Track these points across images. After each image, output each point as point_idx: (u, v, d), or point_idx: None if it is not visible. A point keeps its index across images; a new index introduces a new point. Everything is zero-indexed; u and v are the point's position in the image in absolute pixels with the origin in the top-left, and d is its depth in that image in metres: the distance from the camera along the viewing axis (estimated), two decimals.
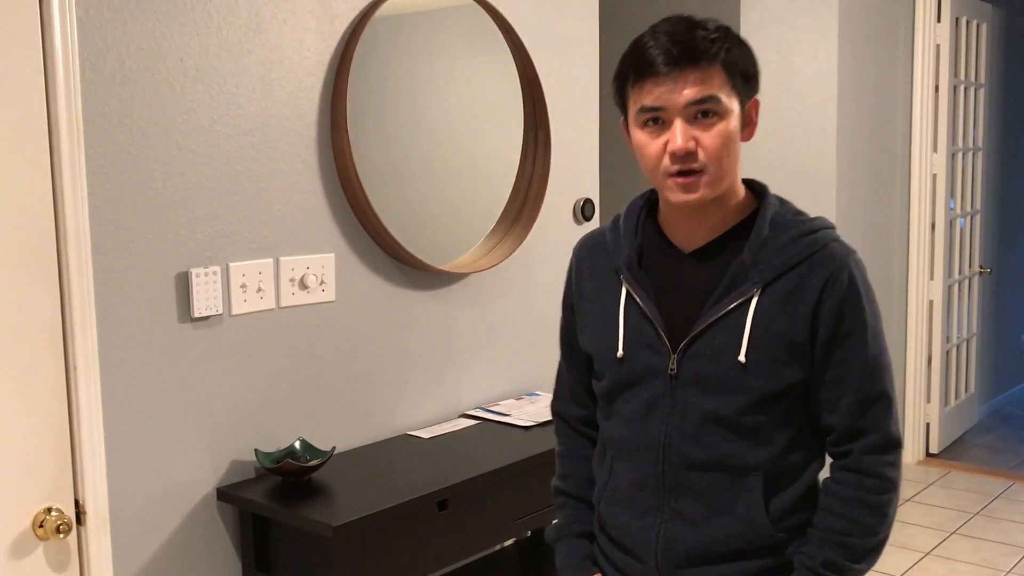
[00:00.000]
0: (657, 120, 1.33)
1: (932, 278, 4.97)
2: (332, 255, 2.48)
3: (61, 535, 1.91)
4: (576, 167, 3.20)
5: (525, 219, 2.95)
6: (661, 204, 1.46)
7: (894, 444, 1.37)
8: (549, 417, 2.70)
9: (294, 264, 2.39)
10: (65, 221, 1.95)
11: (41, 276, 1.92)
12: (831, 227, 1.42)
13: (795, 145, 4.34)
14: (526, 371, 3.06)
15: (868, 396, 1.36)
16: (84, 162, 1.97)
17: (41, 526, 1.91)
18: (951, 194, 5.05)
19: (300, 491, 2.21)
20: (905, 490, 4.55)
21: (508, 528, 2.47)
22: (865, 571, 1.38)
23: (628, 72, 1.36)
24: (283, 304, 2.38)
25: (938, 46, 4.83)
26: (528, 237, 2.96)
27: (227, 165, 2.25)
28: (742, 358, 1.34)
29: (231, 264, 2.26)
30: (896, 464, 1.38)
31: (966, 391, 5.47)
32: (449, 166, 2.82)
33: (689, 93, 1.29)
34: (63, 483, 1.97)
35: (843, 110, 4.38)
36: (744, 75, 1.35)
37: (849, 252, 1.39)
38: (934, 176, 4.90)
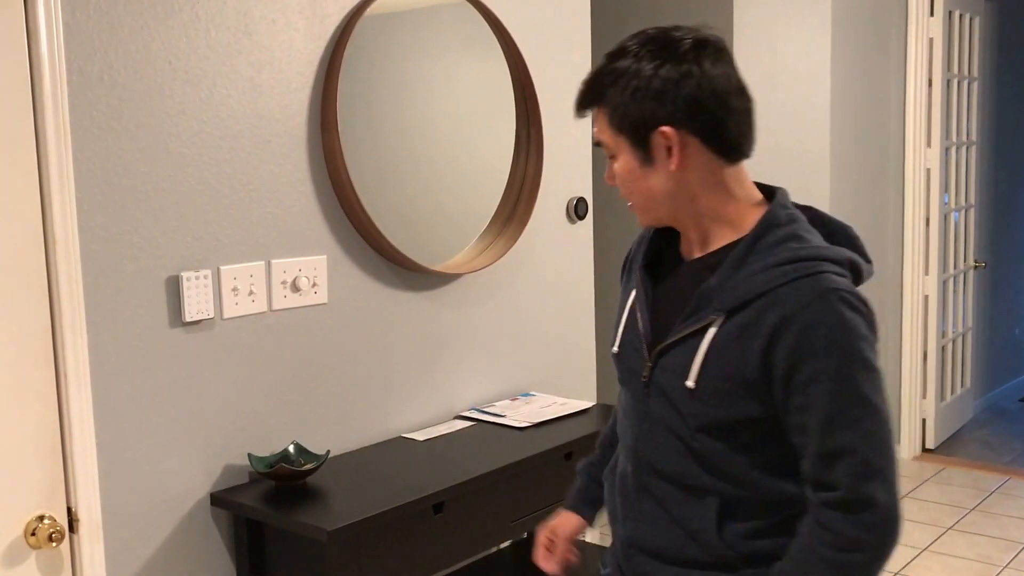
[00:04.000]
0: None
1: (927, 273, 4.98)
2: (324, 257, 2.48)
3: (53, 543, 1.91)
4: (569, 166, 3.19)
5: (518, 219, 2.95)
6: None
7: (862, 504, 1.24)
8: (544, 418, 2.73)
9: (286, 266, 2.39)
10: (54, 227, 1.94)
11: (30, 283, 1.92)
12: (830, 259, 1.29)
13: (788, 141, 4.34)
14: (520, 371, 3.06)
15: (829, 451, 1.25)
16: (72, 167, 1.97)
17: (33, 534, 1.91)
18: (945, 188, 5.05)
19: (294, 495, 2.21)
20: (901, 486, 4.54)
21: (505, 531, 2.46)
22: None
23: None
24: (275, 307, 2.37)
25: (931, 40, 4.83)
26: (521, 237, 2.95)
27: (217, 167, 2.24)
28: (690, 383, 1.32)
29: (222, 267, 2.25)
30: (867, 525, 1.24)
31: (962, 386, 5.49)
32: (441, 166, 2.81)
33: (594, 133, 1.35)
34: (55, 490, 1.96)
35: (836, 105, 4.39)
36: (623, 115, 1.31)
37: (830, 290, 1.24)
38: (928, 171, 4.91)
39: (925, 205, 4.92)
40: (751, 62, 4.28)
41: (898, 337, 4.99)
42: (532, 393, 3.04)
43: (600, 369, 3.50)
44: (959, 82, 5.13)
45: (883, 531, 1.25)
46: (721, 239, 1.37)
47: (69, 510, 1.99)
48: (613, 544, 1.54)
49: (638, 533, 1.44)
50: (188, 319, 2.18)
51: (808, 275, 1.26)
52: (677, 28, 1.33)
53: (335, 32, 2.47)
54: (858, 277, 1.35)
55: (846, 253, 1.33)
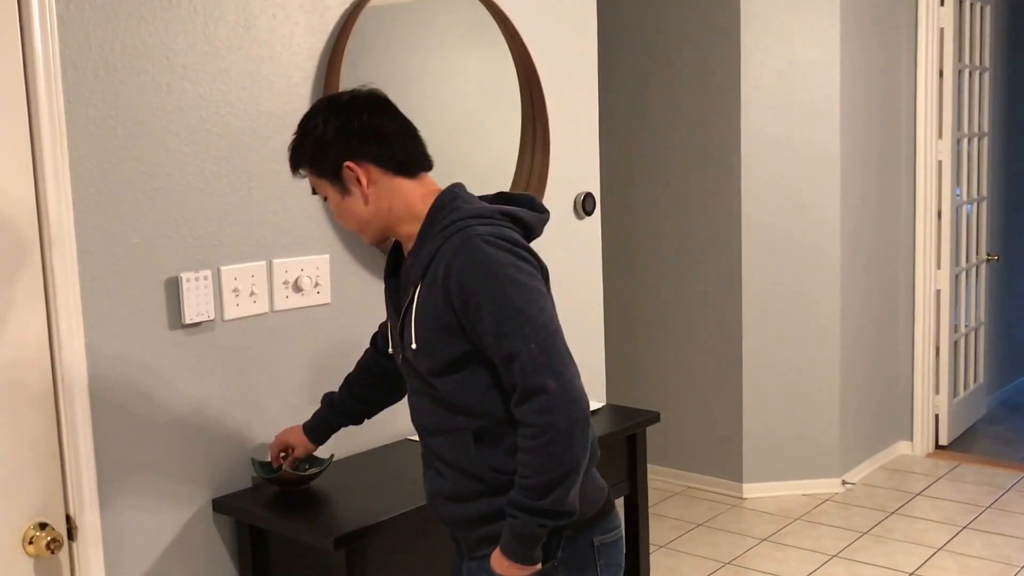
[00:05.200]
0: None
1: (939, 267, 4.94)
2: (327, 256, 2.45)
3: (52, 552, 1.89)
4: (576, 161, 3.17)
5: None
6: None
7: (532, 392, 1.57)
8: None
9: (288, 266, 2.36)
10: (49, 228, 1.92)
11: (26, 285, 1.90)
12: (476, 215, 1.66)
13: (797, 134, 4.30)
14: None
15: (504, 358, 1.59)
16: (68, 166, 1.95)
17: (31, 543, 1.89)
18: (957, 181, 5.01)
19: (299, 501, 2.19)
20: (914, 483, 4.53)
21: None
22: (556, 503, 1.58)
23: None
24: (277, 308, 2.35)
25: (942, 30, 4.79)
26: None
27: (217, 165, 2.22)
28: (414, 345, 1.68)
29: (222, 267, 2.23)
30: (541, 409, 1.56)
31: (975, 381, 5.45)
32: (446, 161, 2.72)
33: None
34: (53, 498, 1.95)
35: (846, 97, 4.35)
36: (316, 164, 1.71)
37: (467, 239, 1.61)
38: (939, 163, 4.87)
39: (937, 198, 4.89)
40: (759, 53, 4.24)
41: (910, 332, 4.96)
42: None
43: (610, 369, 3.47)
44: (971, 72, 5.09)
45: (560, 411, 1.56)
46: (417, 232, 1.72)
47: (68, 518, 1.97)
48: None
49: (433, 486, 1.79)
50: (188, 321, 2.16)
51: (458, 231, 1.64)
52: (340, 92, 1.75)
53: (336, 25, 2.44)
54: (524, 225, 1.73)
55: (496, 207, 1.71)
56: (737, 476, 4.46)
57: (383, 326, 2.05)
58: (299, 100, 2.37)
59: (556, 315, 1.64)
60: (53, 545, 1.88)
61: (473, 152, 2.87)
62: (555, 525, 1.62)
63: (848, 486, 4.52)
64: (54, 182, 1.92)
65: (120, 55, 2.04)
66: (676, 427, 4.57)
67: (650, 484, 3.03)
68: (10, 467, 1.88)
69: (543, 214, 1.79)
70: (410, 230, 1.73)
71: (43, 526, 1.90)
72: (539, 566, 1.65)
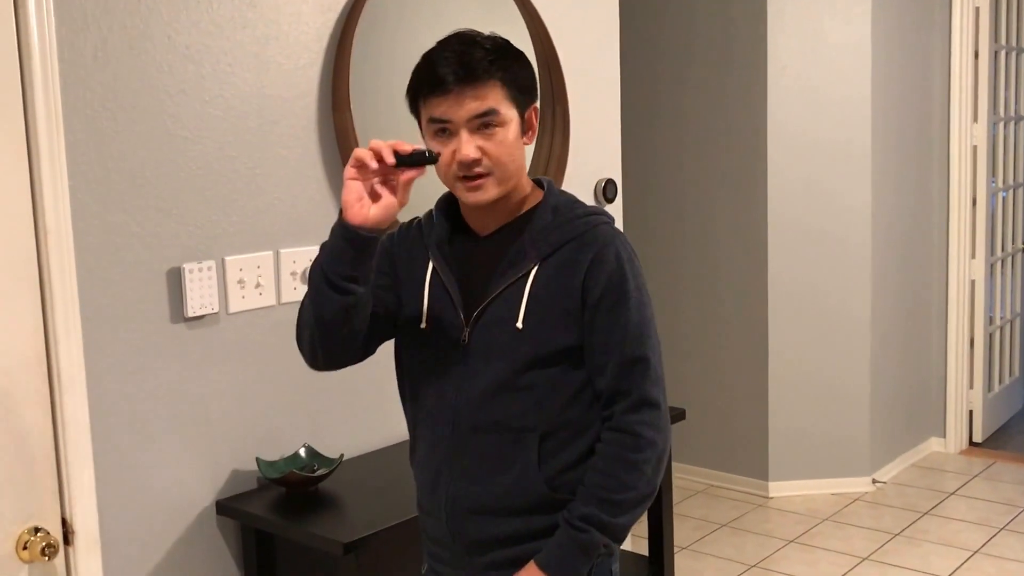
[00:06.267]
0: (445, 130, 1.55)
1: (973, 256, 4.88)
2: None
3: (47, 557, 1.85)
4: (596, 145, 3.14)
5: None
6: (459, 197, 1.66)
7: (649, 404, 1.57)
8: None
9: (296, 256, 2.34)
10: (45, 216, 1.89)
11: (20, 277, 1.87)
12: (604, 214, 1.66)
13: (827, 118, 4.25)
14: None
15: (629, 359, 1.57)
16: (64, 151, 1.92)
17: (25, 548, 1.86)
18: (992, 167, 4.95)
19: (307, 503, 2.17)
20: (947, 482, 4.48)
21: None
22: (627, 524, 1.57)
23: (419, 87, 1.58)
24: (284, 300, 2.33)
25: (977, 8, 4.73)
26: None
27: (220, 150, 2.20)
28: (519, 324, 1.57)
29: (227, 258, 2.22)
30: (652, 423, 1.56)
31: (1010, 375, 5.39)
32: None
33: (471, 107, 1.53)
34: (49, 501, 1.92)
35: (877, 79, 4.29)
36: (520, 88, 1.58)
37: (616, 234, 1.61)
38: (974, 148, 4.81)
39: (972, 184, 4.82)
40: (788, 37, 4.18)
41: (943, 324, 4.92)
42: None
43: None
44: (1007, 53, 5.02)
45: (665, 431, 1.58)
46: (521, 208, 1.63)
47: (64, 521, 1.95)
48: (431, 508, 1.68)
49: (460, 491, 1.63)
50: (191, 314, 2.14)
51: (599, 224, 1.62)
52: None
53: (347, 4, 2.41)
54: None
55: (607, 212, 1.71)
56: (763, 474, 4.43)
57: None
58: (307, 82, 2.33)
59: None
60: (48, 550, 1.85)
61: None
62: (613, 548, 1.60)
63: (878, 485, 4.48)
64: (49, 168, 1.89)
65: (119, 35, 2.01)
66: (699, 423, 4.52)
67: (672, 482, 3.04)
68: (3, 467, 1.85)
69: None
70: (519, 198, 1.62)
71: (38, 530, 1.87)
72: None
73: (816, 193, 4.27)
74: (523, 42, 2.81)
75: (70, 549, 1.95)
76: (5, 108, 1.83)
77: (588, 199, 3.11)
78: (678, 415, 2.80)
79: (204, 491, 2.20)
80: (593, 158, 3.13)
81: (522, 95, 1.58)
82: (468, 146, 1.53)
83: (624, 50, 3.46)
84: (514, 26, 2.79)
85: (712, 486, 4.55)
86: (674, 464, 4.54)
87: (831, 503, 4.30)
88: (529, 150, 2.83)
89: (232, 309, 2.22)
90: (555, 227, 1.60)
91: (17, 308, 1.86)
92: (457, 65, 1.53)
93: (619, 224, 3.24)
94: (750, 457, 4.46)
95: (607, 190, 3.17)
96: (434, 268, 1.66)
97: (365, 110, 2.43)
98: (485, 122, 1.53)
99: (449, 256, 1.66)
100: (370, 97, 2.46)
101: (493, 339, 1.59)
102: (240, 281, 2.23)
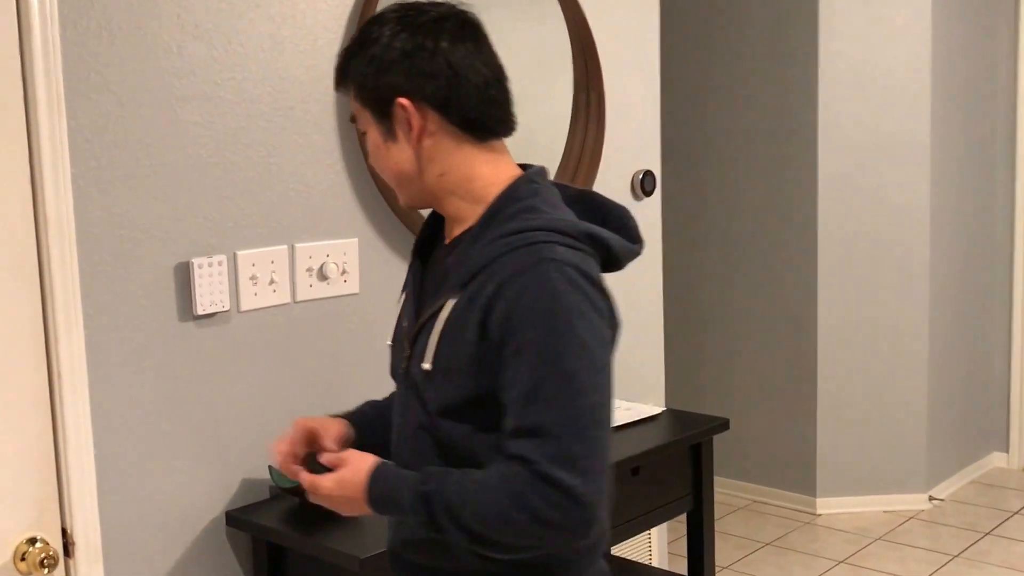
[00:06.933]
0: None
1: None
2: (355, 240, 2.43)
3: (46, 569, 1.85)
4: (634, 135, 3.13)
5: None
6: None
7: (551, 483, 1.29)
8: (612, 424, 2.63)
9: (312, 251, 2.33)
10: (45, 206, 1.89)
11: (18, 270, 1.87)
12: (545, 229, 1.38)
13: (884, 122, 4.19)
14: None
15: (525, 429, 1.31)
16: (66, 137, 1.92)
17: (23, 559, 1.86)
18: None
19: (322, 515, 2.12)
20: (1010, 501, 4.44)
21: None
22: (446, 529, 1.35)
23: None
24: (299, 298, 2.32)
25: None
26: None
27: (233, 137, 2.19)
28: (427, 365, 1.42)
29: (239, 252, 2.21)
30: (551, 502, 1.29)
31: None
32: None
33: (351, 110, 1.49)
34: (48, 509, 1.92)
35: (937, 83, 4.25)
36: (364, 87, 1.44)
37: (548, 259, 1.34)
38: None
39: None
40: (842, 39, 4.15)
41: (1006, 333, 4.88)
42: None
43: (669, 370, 3.41)
44: None
45: (565, 515, 1.29)
46: (471, 218, 1.46)
47: (64, 531, 1.95)
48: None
49: (396, 538, 1.54)
50: (200, 312, 2.14)
51: (530, 244, 1.36)
52: (425, 3, 1.46)
53: None
54: (609, 255, 1.45)
55: (585, 227, 1.42)
56: (810, 490, 4.40)
57: None
58: (325, 64, 2.32)
59: (612, 396, 1.38)
60: (47, 562, 1.85)
61: (519, 121, 2.80)
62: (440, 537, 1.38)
63: (935, 503, 4.43)
64: (50, 154, 1.88)
65: (125, 12, 2.01)
66: (743, 434, 4.49)
67: (714, 497, 3.03)
68: (2, 474, 1.85)
69: (636, 245, 1.51)
70: (460, 210, 1.46)
71: (36, 541, 1.87)
72: (367, 512, 1.43)
73: (870, 192, 4.23)
74: (556, 20, 2.80)
75: (70, 561, 1.95)
76: (4, 91, 1.82)
77: (625, 192, 3.11)
78: (722, 425, 2.75)
79: (213, 501, 2.19)
80: (630, 148, 3.11)
81: (368, 94, 1.44)
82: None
83: (664, 33, 3.43)
84: (546, 3, 2.78)
85: (756, 502, 4.51)
86: (716, 478, 4.51)
87: (884, 521, 4.25)
88: (556, 137, 2.83)
89: (244, 307, 2.21)
90: (480, 247, 1.41)
91: (15, 304, 1.86)
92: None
93: (655, 222, 3.23)
94: (797, 471, 4.43)
95: (645, 183, 3.14)
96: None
97: None
98: (359, 130, 1.51)
99: (418, 268, 1.56)
100: None
101: (416, 373, 1.46)
102: (253, 277, 2.22)
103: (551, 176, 2.90)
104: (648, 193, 3.17)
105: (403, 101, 1.41)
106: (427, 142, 1.43)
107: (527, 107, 2.79)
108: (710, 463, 2.76)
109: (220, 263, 2.16)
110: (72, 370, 1.93)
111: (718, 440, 2.62)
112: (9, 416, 1.86)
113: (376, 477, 1.40)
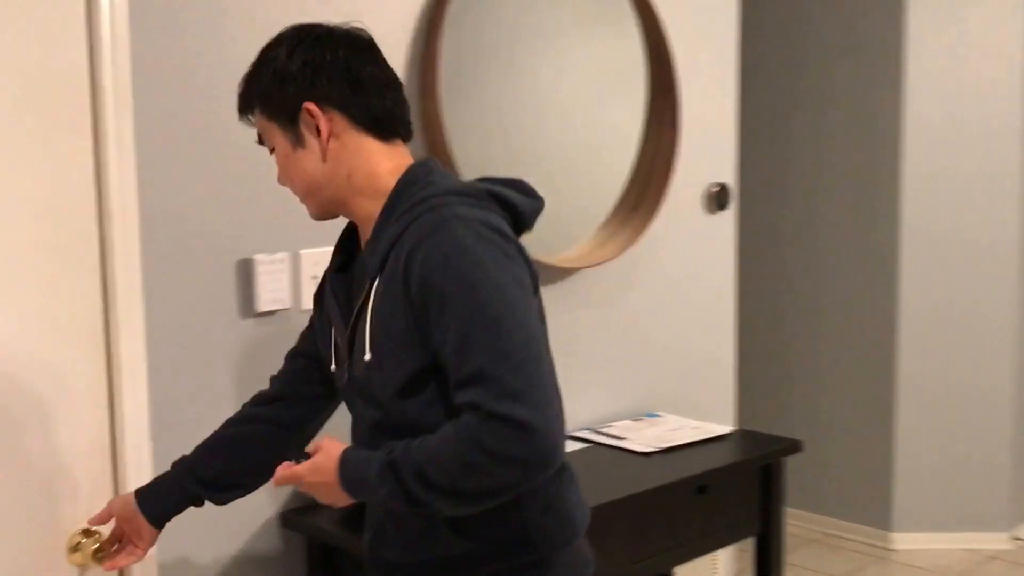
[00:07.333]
0: None
1: None
2: None
3: (99, 561, 1.86)
4: (710, 145, 3.10)
5: (646, 207, 2.88)
6: None
7: (500, 419, 1.33)
8: (672, 443, 2.60)
9: None
10: (109, 198, 1.91)
11: (81, 262, 1.89)
12: (461, 192, 1.46)
13: (973, 118, 4.07)
14: (645, 387, 2.98)
15: (465, 379, 1.37)
16: (132, 129, 1.94)
17: (76, 550, 1.88)
18: None
19: None
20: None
21: (622, 574, 2.35)
22: (421, 499, 1.39)
23: None
24: None
25: None
26: (649, 228, 2.87)
27: None
28: (367, 356, 1.47)
29: (302, 251, 2.22)
30: (503, 436, 1.33)
31: None
32: (557, 141, 2.74)
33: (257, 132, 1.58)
34: (103, 502, 1.92)
35: None
36: (267, 101, 1.53)
37: (451, 217, 1.41)
38: None
39: None
40: (929, 34, 4.04)
41: None
42: (658, 414, 2.96)
43: (741, 388, 3.35)
44: None
45: (520, 447, 1.33)
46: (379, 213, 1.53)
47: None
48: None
49: (366, 538, 1.63)
50: (261, 309, 2.15)
51: (431, 208, 1.43)
52: (314, 23, 1.57)
53: None
54: (516, 213, 1.51)
55: (484, 186, 1.50)
56: (886, 523, 4.28)
57: (293, 355, 1.81)
58: (393, 65, 2.30)
59: (544, 335, 1.44)
60: (101, 554, 1.85)
61: (588, 129, 2.82)
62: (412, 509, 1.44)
63: (1020, 543, 4.28)
64: (116, 148, 1.91)
65: (194, 8, 2.03)
66: (813, 461, 4.38)
67: (782, 529, 2.94)
68: (58, 464, 1.87)
69: (537, 201, 1.57)
70: (369, 209, 1.52)
71: (90, 533, 1.88)
72: (344, 498, 1.48)
73: (956, 198, 4.11)
74: (628, 24, 2.79)
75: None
76: (72, 83, 1.86)
77: (697, 205, 3.08)
78: (793, 447, 2.68)
79: (267, 501, 2.19)
80: (705, 160, 3.08)
81: (271, 106, 1.53)
82: (277, 171, 1.59)
83: (747, 36, 3.39)
84: (618, 5, 2.77)
85: (828, 535, 4.40)
86: (787, 509, 4.41)
87: (964, 560, 4.12)
88: (627, 146, 2.78)
89: (305, 305, 2.21)
90: (383, 230, 1.48)
91: (78, 296, 1.89)
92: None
93: (729, 236, 3.19)
94: (871, 503, 4.31)
95: (720, 196, 3.10)
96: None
97: (454, 97, 2.42)
98: (268, 147, 1.58)
99: (340, 289, 1.60)
100: (460, 83, 2.45)
101: (359, 372, 1.51)
102: (315, 276, 2.22)
103: (623, 182, 2.94)
104: (723, 207, 3.13)
105: (309, 106, 1.50)
106: (334, 144, 1.51)
107: (600, 111, 2.80)
108: (780, 485, 2.69)
109: (282, 260, 2.17)
110: (132, 364, 1.95)
111: (790, 470, 2.57)
112: (69, 408, 1.88)
113: (345, 460, 1.45)
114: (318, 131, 1.51)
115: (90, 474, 1.91)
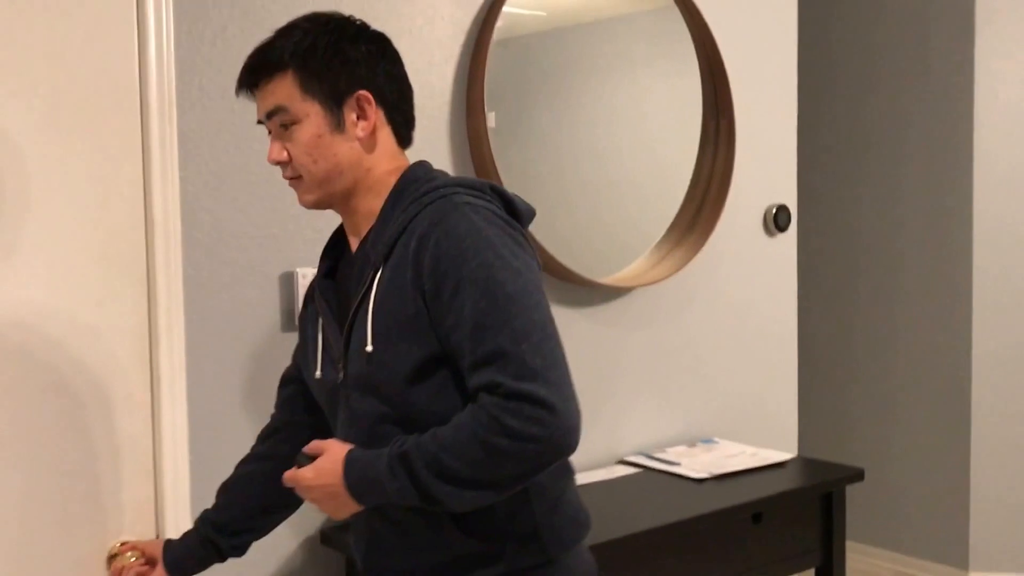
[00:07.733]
0: (269, 131, 1.55)
1: None
2: None
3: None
4: (768, 165, 3.07)
5: (701, 226, 2.85)
6: None
7: (521, 398, 1.33)
8: (728, 469, 2.55)
9: None
10: (152, 209, 1.94)
11: (127, 271, 1.92)
12: (464, 185, 1.48)
13: None
14: (701, 411, 2.94)
15: (483, 359, 1.36)
16: (176, 141, 1.97)
17: (114, 558, 1.85)
18: None
19: None
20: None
21: None
22: (439, 494, 1.37)
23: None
24: None
25: None
26: (705, 248, 2.85)
27: None
28: (369, 347, 1.45)
29: None
30: (527, 417, 1.32)
31: None
32: (608, 159, 2.72)
33: (262, 105, 1.53)
34: (143, 513, 1.96)
35: None
36: (320, 76, 1.49)
37: (454, 206, 1.43)
38: None
39: None
40: (996, 49, 3.94)
41: None
42: (714, 439, 2.93)
43: (803, 415, 3.28)
44: None
45: (543, 427, 1.32)
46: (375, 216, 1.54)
47: (157, 537, 1.97)
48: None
49: (371, 555, 1.57)
50: None
51: (441, 196, 1.45)
52: (351, 17, 1.57)
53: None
54: (514, 211, 1.52)
55: (487, 181, 1.51)
56: (962, 562, 4.14)
57: (283, 383, 1.80)
58: (440, 81, 2.33)
59: (551, 318, 1.42)
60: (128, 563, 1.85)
61: (642, 149, 2.81)
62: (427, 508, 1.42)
63: None
64: (160, 159, 1.94)
65: (240, 21, 2.06)
66: (880, 493, 4.28)
67: (846, 563, 2.85)
68: (98, 474, 1.89)
69: (530, 206, 1.58)
70: (372, 205, 1.53)
71: (129, 546, 1.87)
72: (352, 505, 1.45)
73: None
74: (683, 42, 2.77)
75: None
76: (120, 94, 1.90)
77: (755, 227, 3.02)
78: (856, 475, 2.61)
79: (307, 518, 2.18)
80: (762, 181, 3.04)
81: (323, 83, 1.49)
82: (272, 148, 1.54)
83: (804, 55, 3.35)
84: (672, 23, 2.76)
85: (900, 572, 4.26)
86: (851, 543, 4.30)
87: None
88: (683, 164, 2.75)
89: None
90: (388, 220, 1.49)
91: (121, 305, 1.92)
92: (253, 58, 1.53)
93: (790, 259, 3.15)
94: (946, 540, 4.17)
95: (779, 217, 3.05)
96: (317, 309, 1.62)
97: (502, 115, 2.42)
98: (282, 121, 1.51)
99: (329, 291, 1.60)
100: (508, 101, 2.45)
101: (360, 369, 1.48)
102: None
103: (679, 202, 2.89)
104: (782, 228, 3.08)
105: (366, 94, 1.50)
106: (372, 138, 1.52)
107: (654, 131, 2.78)
108: (842, 514, 2.62)
109: None
110: (172, 375, 1.96)
111: (855, 500, 2.48)
112: (111, 417, 1.90)
113: (351, 461, 1.43)
114: (365, 120, 1.51)
115: (130, 485, 1.93)
